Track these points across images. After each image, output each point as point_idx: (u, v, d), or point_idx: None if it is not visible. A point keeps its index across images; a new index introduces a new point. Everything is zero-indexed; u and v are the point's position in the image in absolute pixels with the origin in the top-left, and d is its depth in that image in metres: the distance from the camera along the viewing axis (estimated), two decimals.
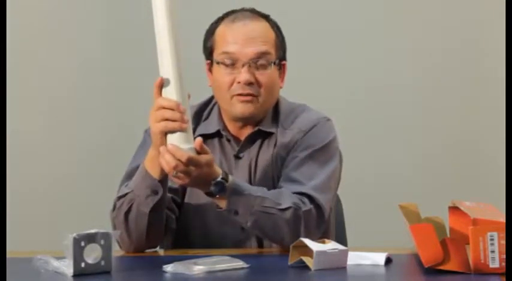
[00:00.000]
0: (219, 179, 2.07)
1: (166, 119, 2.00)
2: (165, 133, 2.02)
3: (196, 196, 2.26)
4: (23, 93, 3.55)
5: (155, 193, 2.13)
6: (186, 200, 2.30)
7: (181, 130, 2.00)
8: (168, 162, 2.00)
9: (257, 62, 2.23)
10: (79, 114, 3.61)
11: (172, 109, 2.00)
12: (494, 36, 3.49)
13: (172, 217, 2.26)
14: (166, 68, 2.01)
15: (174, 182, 2.11)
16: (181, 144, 2.00)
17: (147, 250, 2.23)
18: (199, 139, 2.03)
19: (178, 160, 1.99)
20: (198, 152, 2.02)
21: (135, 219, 2.15)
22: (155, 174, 2.11)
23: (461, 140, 3.59)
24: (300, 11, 3.55)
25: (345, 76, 3.60)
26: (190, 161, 2.00)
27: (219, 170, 2.08)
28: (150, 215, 2.14)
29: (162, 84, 2.02)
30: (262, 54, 2.24)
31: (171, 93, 2.01)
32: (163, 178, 2.11)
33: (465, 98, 3.60)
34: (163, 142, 2.03)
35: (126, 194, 2.17)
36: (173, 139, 2.01)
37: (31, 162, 3.59)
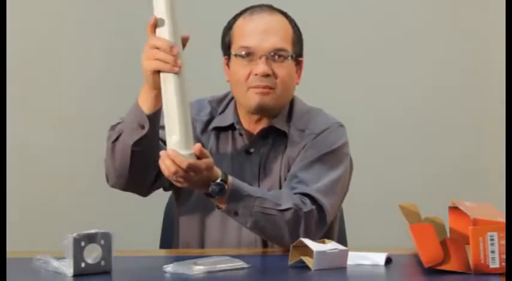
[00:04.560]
0: (218, 180, 2.07)
1: (159, 59, 2.01)
2: (158, 72, 2.02)
3: (198, 195, 2.26)
4: (24, 94, 3.55)
5: (142, 127, 2.13)
6: (188, 199, 2.31)
7: (173, 72, 2.00)
8: (168, 167, 2.00)
9: (274, 54, 2.24)
10: (79, 114, 3.61)
11: (165, 51, 2.00)
12: (494, 44, 3.48)
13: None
14: (160, 9, 2.02)
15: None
16: (181, 150, 2.00)
17: (146, 249, 2.23)
18: (198, 145, 2.03)
19: (178, 166, 1.99)
20: (198, 157, 2.02)
21: (120, 149, 2.16)
22: (145, 109, 2.11)
23: (462, 140, 3.59)
24: (305, 14, 3.55)
25: (346, 77, 3.60)
26: (190, 168, 2.00)
27: (218, 172, 2.08)
28: (134, 148, 2.14)
29: (156, 23, 2.02)
30: (280, 48, 2.24)
31: (164, 34, 2.02)
32: (153, 114, 2.12)
33: (465, 99, 3.60)
34: (155, 79, 2.04)
35: (118, 124, 2.19)
36: (173, 144, 2.01)
37: (31, 162, 3.58)
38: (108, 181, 2.24)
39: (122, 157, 2.16)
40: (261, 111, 2.27)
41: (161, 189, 2.33)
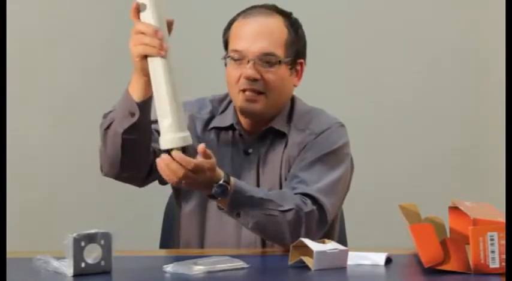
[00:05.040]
0: (221, 182, 2.07)
1: (145, 44, 2.00)
2: (145, 56, 2.02)
3: (198, 194, 2.26)
4: (23, 93, 3.55)
5: (132, 115, 2.12)
6: (187, 198, 2.30)
7: (160, 56, 2.00)
8: (175, 171, 1.98)
9: (263, 59, 2.24)
10: (79, 114, 3.60)
11: (150, 35, 1.99)
12: (495, 45, 3.48)
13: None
14: None
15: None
16: (176, 133, 1.99)
17: (146, 249, 2.22)
18: (202, 145, 2.03)
19: (185, 167, 1.97)
20: (202, 157, 2.02)
21: (112, 137, 2.15)
22: (135, 96, 2.11)
23: (462, 140, 3.59)
24: (305, 14, 3.55)
25: (346, 78, 3.60)
26: (195, 168, 1.99)
27: (221, 173, 2.08)
28: (125, 136, 2.13)
29: (139, 8, 2.02)
30: (268, 53, 2.24)
31: (148, 18, 2.02)
32: (143, 102, 2.11)
33: (465, 100, 3.60)
34: (143, 65, 2.03)
35: (110, 112, 2.19)
36: (166, 128, 1.99)
37: (31, 162, 3.58)
38: (101, 170, 2.24)
39: (113, 145, 2.16)
40: (248, 116, 2.28)
41: (160, 189, 2.33)
